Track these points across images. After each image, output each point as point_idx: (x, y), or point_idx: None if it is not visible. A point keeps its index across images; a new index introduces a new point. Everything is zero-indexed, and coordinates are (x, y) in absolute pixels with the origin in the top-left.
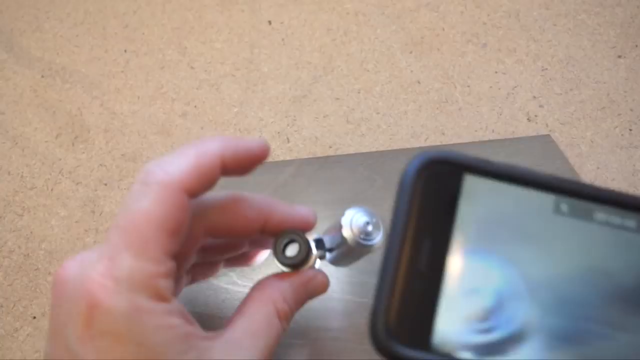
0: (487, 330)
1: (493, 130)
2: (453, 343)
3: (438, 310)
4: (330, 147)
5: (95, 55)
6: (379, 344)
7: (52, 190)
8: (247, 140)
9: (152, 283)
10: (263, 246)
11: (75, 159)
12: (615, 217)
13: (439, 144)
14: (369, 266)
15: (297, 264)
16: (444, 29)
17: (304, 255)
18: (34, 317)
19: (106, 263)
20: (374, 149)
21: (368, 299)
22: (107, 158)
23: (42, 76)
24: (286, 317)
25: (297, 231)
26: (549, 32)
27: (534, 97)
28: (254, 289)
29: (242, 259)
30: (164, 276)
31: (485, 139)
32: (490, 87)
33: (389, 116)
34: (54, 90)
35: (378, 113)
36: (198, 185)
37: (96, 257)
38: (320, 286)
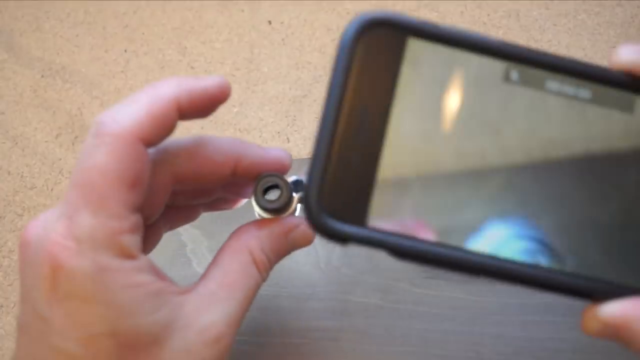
0: (431, 206)
1: None
2: (391, 219)
3: (376, 185)
4: None
5: (95, 55)
6: (312, 219)
7: (52, 190)
8: (204, 80)
9: (115, 240)
10: (239, 190)
11: (75, 159)
12: (569, 87)
13: None
14: (368, 265)
15: (279, 209)
16: None
17: (287, 199)
18: None
19: (66, 223)
20: None
21: (368, 299)
22: None
23: (42, 76)
24: (265, 267)
25: (278, 174)
26: (549, 32)
27: None
28: (230, 237)
29: (221, 204)
30: (128, 231)
31: None
32: None
33: None
34: (54, 90)
35: None
36: (154, 133)
37: (56, 217)
38: (303, 237)
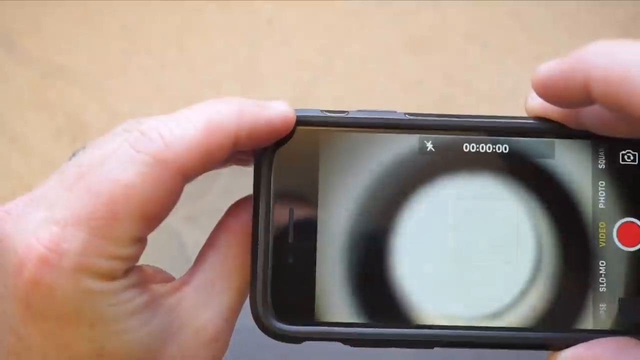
0: (370, 289)
1: None
2: (338, 309)
3: (316, 281)
4: None
5: (95, 55)
6: (262, 326)
7: None
8: (269, 111)
9: (104, 265)
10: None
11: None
12: (487, 144)
13: None
14: None
15: None
16: (444, 29)
17: None
18: None
19: (54, 230)
20: None
21: None
22: None
23: (42, 76)
24: None
25: None
26: (549, 32)
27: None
28: (227, 214)
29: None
30: (121, 259)
31: None
32: (491, 87)
33: None
34: (53, 90)
35: None
36: (199, 169)
37: (41, 218)
38: None
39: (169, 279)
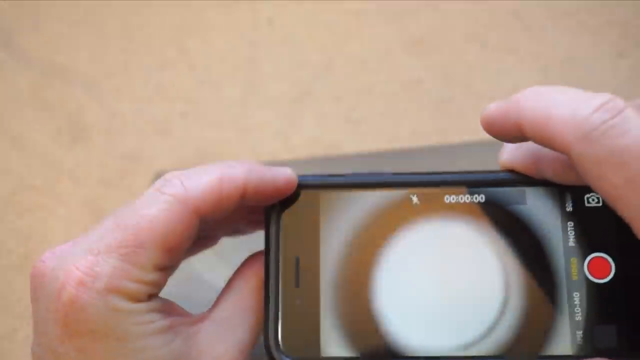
0: (373, 330)
1: None
2: (340, 345)
3: (321, 319)
4: (330, 147)
5: (95, 55)
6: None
7: (52, 190)
8: (274, 172)
9: (132, 287)
10: (250, 216)
11: (75, 159)
12: (466, 196)
13: (439, 143)
14: None
15: None
16: (444, 29)
17: None
18: None
19: (90, 258)
20: (374, 149)
21: None
22: (107, 158)
23: (42, 76)
24: None
25: None
26: (550, 32)
27: None
28: (243, 264)
29: (239, 230)
30: (145, 284)
31: (486, 139)
32: (491, 86)
33: (389, 116)
34: (54, 90)
35: (378, 113)
36: (212, 211)
37: (79, 251)
38: None
39: (190, 314)
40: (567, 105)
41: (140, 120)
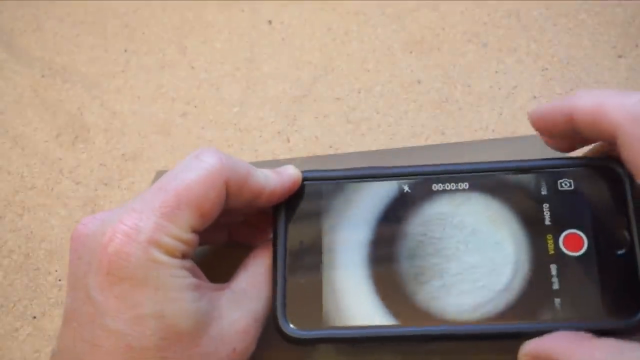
0: (370, 296)
1: (493, 130)
2: (343, 316)
3: (323, 294)
4: (330, 146)
5: (95, 55)
6: (283, 334)
7: (52, 190)
8: (283, 177)
9: (170, 243)
10: (257, 223)
11: (75, 159)
12: (451, 184)
13: (439, 143)
14: None
15: None
16: (444, 29)
17: None
18: (34, 317)
19: (134, 215)
20: (374, 149)
21: None
22: (107, 158)
23: (42, 76)
24: None
25: None
26: (550, 32)
27: (535, 97)
28: (256, 248)
29: (247, 237)
30: (181, 242)
31: (486, 138)
32: (491, 86)
33: (389, 116)
34: (54, 90)
35: (378, 113)
36: (237, 192)
37: (123, 211)
38: None
39: (210, 283)
40: (616, 95)
41: (140, 120)
